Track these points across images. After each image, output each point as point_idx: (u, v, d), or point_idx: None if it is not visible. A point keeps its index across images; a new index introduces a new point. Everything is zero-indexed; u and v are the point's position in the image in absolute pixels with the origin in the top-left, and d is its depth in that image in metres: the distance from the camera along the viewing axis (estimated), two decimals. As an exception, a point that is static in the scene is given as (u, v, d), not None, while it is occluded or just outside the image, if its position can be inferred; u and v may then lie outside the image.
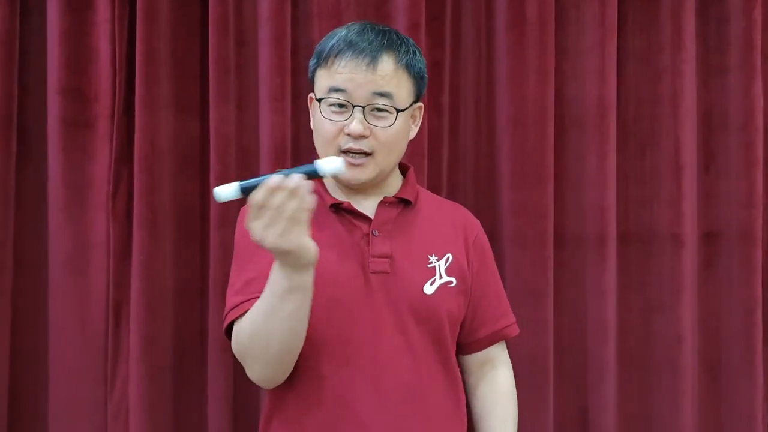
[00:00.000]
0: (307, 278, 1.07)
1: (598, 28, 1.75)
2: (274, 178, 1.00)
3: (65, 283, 1.63)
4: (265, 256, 1.09)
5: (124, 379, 1.63)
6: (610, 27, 1.75)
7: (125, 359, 1.63)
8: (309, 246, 1.04)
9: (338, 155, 1.21)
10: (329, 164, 1.04)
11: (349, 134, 1.21)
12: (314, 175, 1.03)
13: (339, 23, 1.60)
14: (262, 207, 1.00)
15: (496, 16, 1.76)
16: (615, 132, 1.76)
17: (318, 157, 1.31)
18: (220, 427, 1.63)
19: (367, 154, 1.23)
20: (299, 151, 1.69)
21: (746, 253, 1.80)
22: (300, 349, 1.15)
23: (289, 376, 1.19)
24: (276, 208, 0.99)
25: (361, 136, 1.21)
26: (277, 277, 1.07)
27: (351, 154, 1.22)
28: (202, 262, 1.68)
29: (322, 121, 1.23)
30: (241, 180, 1.04)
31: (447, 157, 1.76)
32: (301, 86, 1.68)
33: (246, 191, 1.02)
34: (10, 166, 1.61)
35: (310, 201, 1.01)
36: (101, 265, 1.64)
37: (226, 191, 1.02)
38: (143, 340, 1.60)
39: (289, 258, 1.04)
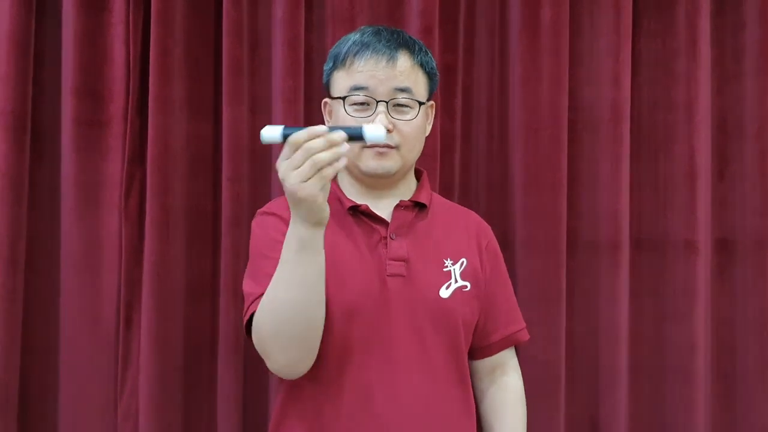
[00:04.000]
0: (317, 237, 1.07)
1: (612, 33, 1.75)
2: (319, 127, 1.02)
3: (77, 283, 1.63)
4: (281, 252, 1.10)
5: (134, 380, 1.63)
6: (625, 32, 1.75)
7: (136, 360, 1.63)
8: (322, 202, 1.03)
9: (362, 150, 1.24)
10: (374, 130, 1.05)
11: None
12: (357, 138, 1.05)
13: (352, 27, 1.61)
14: (297, 147, 1.01)
15: (510, 21, 1.76)
16: (629, 137, 1.75)
17: None
18: (229, 428, 1.62)
19: (391, 149, 1.24)
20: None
21: (760, 260, 1.79)
22: (320, 326, 1.14)
23: (306, 375, 1.19)
24: (309, 152, 1.00)
25: (386, 131, 1.21)
26: (288, 238, 1.08)
27: (376, 148, 1.23)
28: (213, 263, 1.68)
29: (346, 119, 1.24)
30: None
31: (459, 161, 1.76)
32: (314, 89, 1.68)
33: (287, 138, 1.03)
34: (24, 166, 1.61)
35: (342, 162, 1.02)
36: (113, 266, 1.64)
37: (270, 133, 1.04)
38: (154, 340, 1.59)
39: (302, 208, 1.03)
